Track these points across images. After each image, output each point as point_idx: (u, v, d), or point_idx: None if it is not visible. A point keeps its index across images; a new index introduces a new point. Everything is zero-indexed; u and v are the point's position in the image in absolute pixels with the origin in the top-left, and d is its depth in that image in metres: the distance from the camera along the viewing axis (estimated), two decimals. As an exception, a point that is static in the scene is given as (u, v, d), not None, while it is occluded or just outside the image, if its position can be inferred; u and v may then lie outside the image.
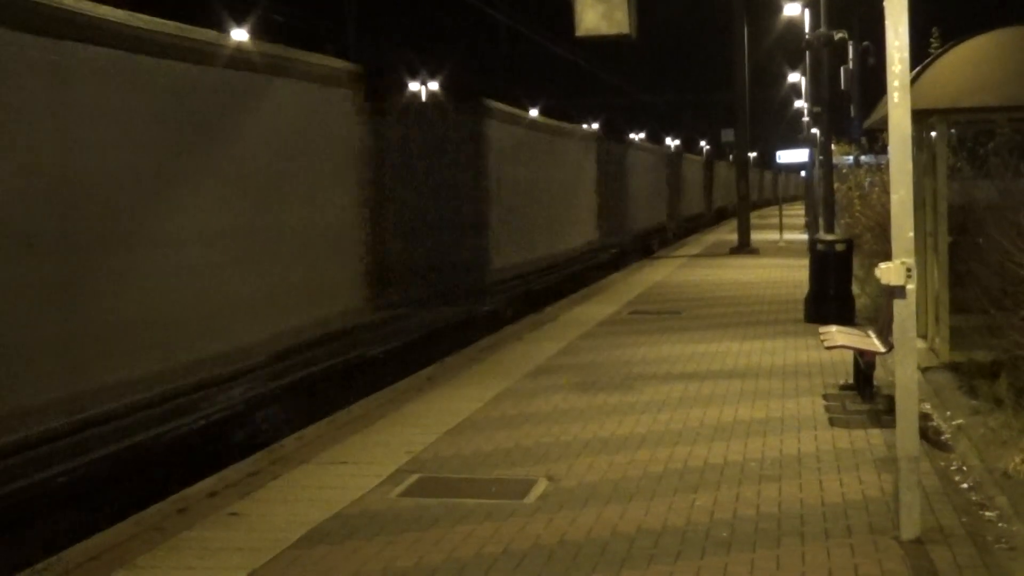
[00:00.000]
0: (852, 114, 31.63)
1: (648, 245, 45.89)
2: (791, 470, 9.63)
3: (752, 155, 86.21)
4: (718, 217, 74.94)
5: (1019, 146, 15.76)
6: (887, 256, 7.93)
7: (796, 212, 65.09)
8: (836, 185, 32.92)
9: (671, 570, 7.26)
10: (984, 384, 12.16)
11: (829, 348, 12.60)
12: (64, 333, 10.89)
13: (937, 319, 14.61)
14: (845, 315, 17.55)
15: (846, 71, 26.66)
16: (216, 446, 12.53)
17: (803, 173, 51.10)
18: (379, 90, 19.66)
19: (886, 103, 8.11)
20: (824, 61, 26.26)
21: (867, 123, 20.40)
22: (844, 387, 13.02)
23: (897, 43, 7.76)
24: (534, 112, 40.13)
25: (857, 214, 28.16)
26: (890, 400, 9.91)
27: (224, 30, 32.32)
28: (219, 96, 13.85)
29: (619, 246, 40.62)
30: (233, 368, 13.52)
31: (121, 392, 11.64)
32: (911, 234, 7.80)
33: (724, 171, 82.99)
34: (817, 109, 30.50)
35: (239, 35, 34.84)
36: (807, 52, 36.09)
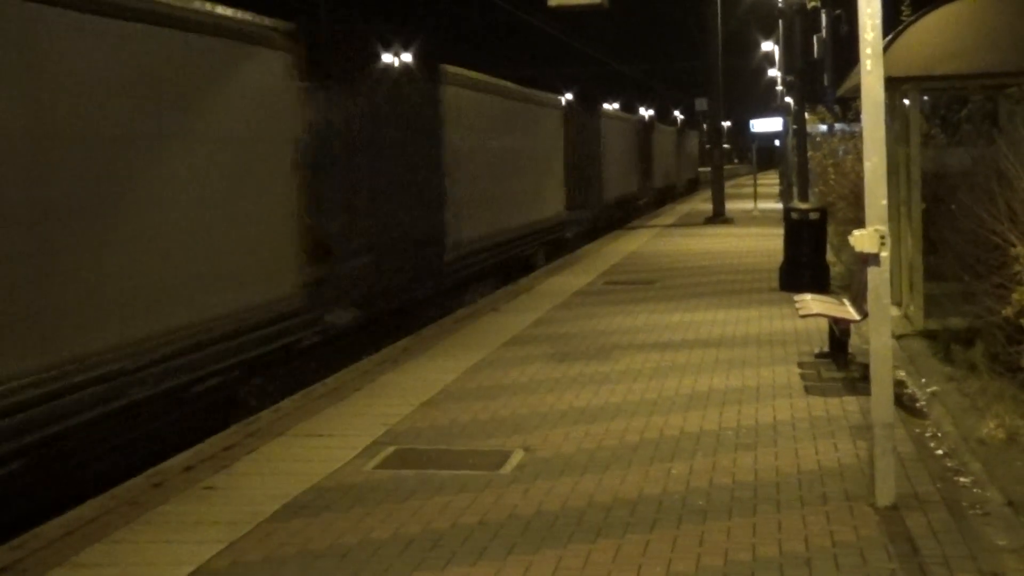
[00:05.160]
0: (825, 82, 31.72)
1: (620, 217, 44.36)
2: (767, 438, 9.65)
3: (727, 124, 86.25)
4: (690, 188, 75.86)
5: (991, 113, 15.82)
6: (861, 224, 7.93)
7: (766, 182, 65.18)
8: (810, 153, 33.04)
9: (647, 539, 7.27)
10: (958, 351, 12.22)
11: (804, 316, 12.62)
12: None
13: (911, 286, 14.66)
14: (820, 283, 17.56)
15: (819, 39, 26.74)
16: None
17: (777, 142, 50.95)
18: (321, 53, 17.84)
19: (859, 71, 8.10)
20: (797, 30, 26.32)
21: (840, 91, 20.48)
22: (819, 355, 13.05)
23: (869, 10, 7.75)
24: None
25: (831, 182, 28.22)
26: (865, 368, 9.93)
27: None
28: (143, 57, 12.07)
29: (589, 220, 38.83)
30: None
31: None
32: (884, 202, 7.80)
33: (693, 141, 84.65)
34: (790, 78, 30.57)
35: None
36: (780, 21, 36.18)
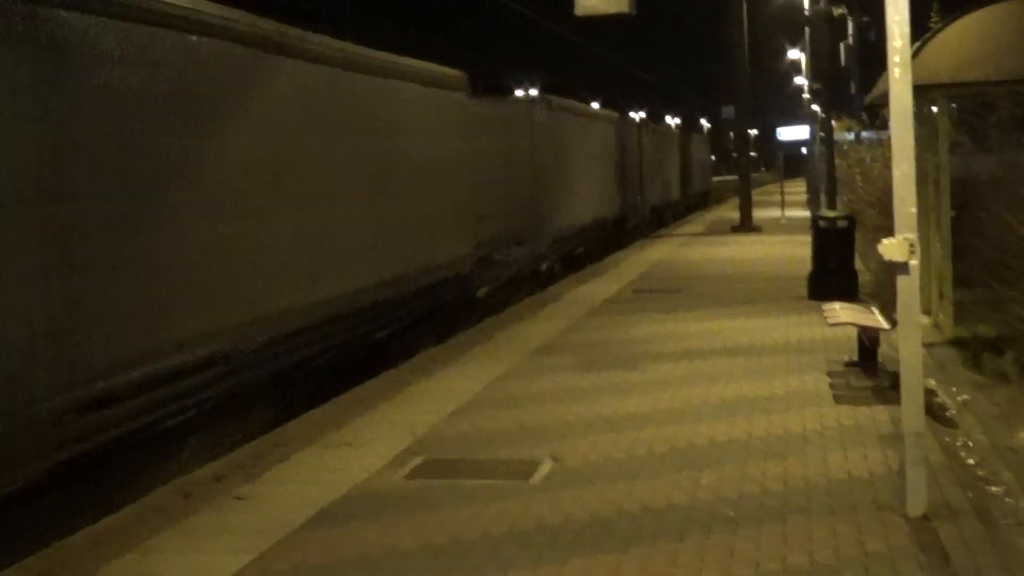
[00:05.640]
0: (852, 90, 31.60)
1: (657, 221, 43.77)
2: (796, 447, 9.62)
3: (753, 132, 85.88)
4: (699, 202, 63.66)
5: (1020, 119, 15.73)
6: (889, 232, 7.90)
7: (793, 189, 64.95)
8: (837, 161, 32.95)
9: (676, 548, 7.25)
10: (988, 359, 12.17)
11: (833, 325, 12.59)
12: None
13: (940, 294, 14.60)
14: (848, 291, 17.51)
15: (846, 47, 26.62)
16: None
17: (804, 150, 50.80)
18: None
19: (887, 78, 8.08)
20: (824, 37, 26.25)
21: (868, 99, 20.38)
22: (848, 364, 12.99)
23: (897, 18, 7.73)
24: (534, 92, 37.44)
25: (859, 190, 28.11)
26: (894, 376, 9.89)
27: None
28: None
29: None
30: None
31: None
32: (913, 209, 7.77)
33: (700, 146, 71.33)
34: (817, 85, 30.49)
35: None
36: (807, 28, 36.10)
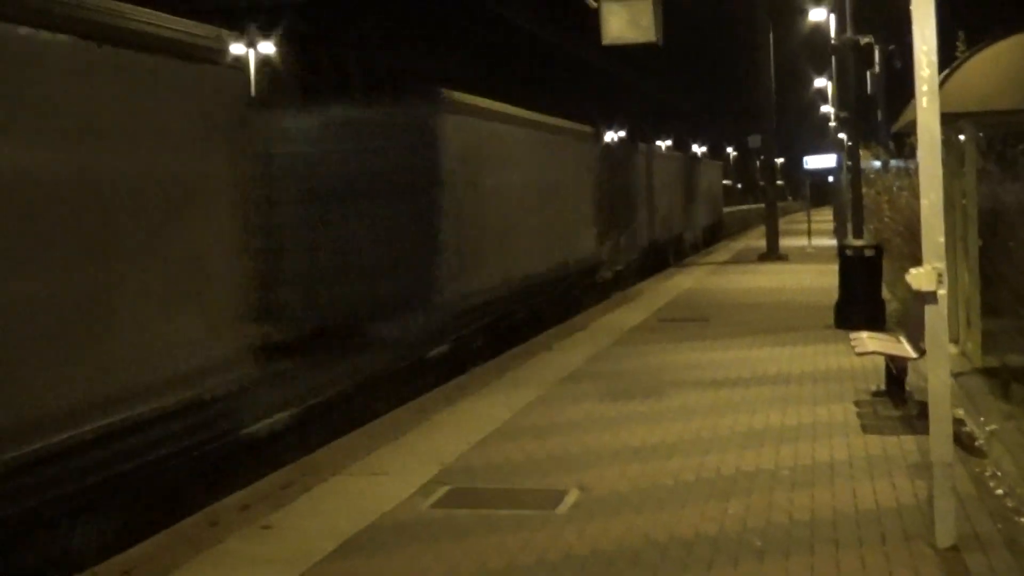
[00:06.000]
0: (879, 118, 31.57)
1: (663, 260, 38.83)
2: (824, 477, 9.59)
3: (780, 160, 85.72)
4: (710, 238, 54.72)
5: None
6: (917, 260, 7.89)
7: (819, 218, 64.81)
8: (864, 190, 32.90)
9: (705, 579, 7.23)
10: (1017, 388, 12.10)
11: (860, 354, 12.55)
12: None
13: (969, 323, 14.54)
14: (875, 320, 17.47)
15: (873, 75, 26.60)
16: None
17: (830, 178, 50.65)
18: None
19: (914, 107, 8.06)
20: (850, 66, 26.17)
21: (895, 127, 20.36)
22: (876, 393, 12.96)
23: (925, 47, 7.72)
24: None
25: (886, 218, 28.03)
26: (923, 406, 9.85)
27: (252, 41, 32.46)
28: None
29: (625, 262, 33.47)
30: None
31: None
32: (942, 239, 7.75)
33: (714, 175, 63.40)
34: (844, 114, 30.41)
35: (266, 47, 35.05)
36: (833, 57, 36.09)
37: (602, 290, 29.35)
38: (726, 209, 70.44)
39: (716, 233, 56.70)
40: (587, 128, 31.66)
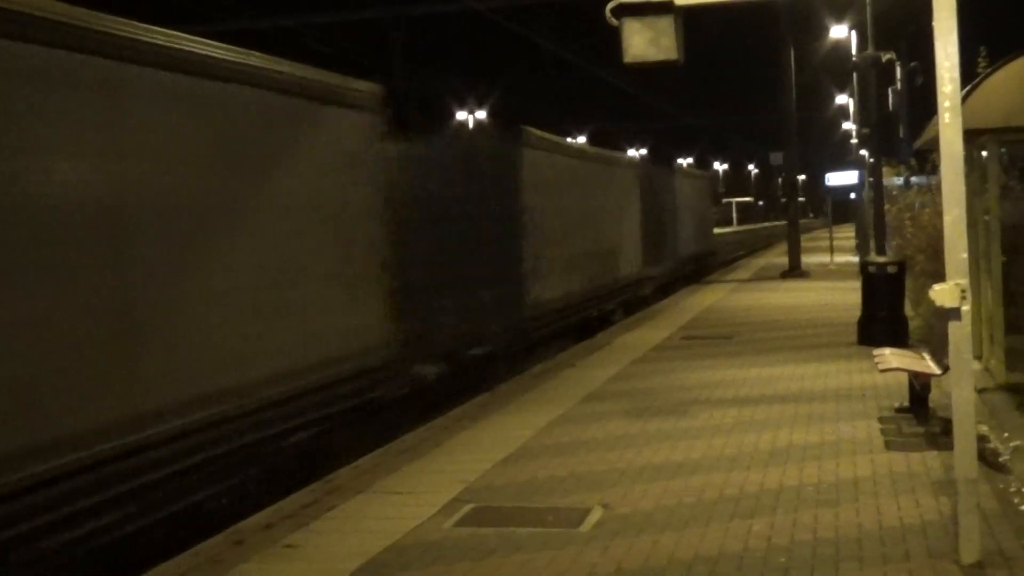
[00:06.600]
0: (901, 134, 31.53)
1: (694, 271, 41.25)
2: (848, 494, 9.57)
3: (801, 177, 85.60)
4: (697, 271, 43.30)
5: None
6: (939, 277, 7.88)
7: (841, 235, 64.60)
8: (886, 207, 32.88)
9: (729, 597, 7.22)
10: (1042, 405, 12.06)
11: (883, 371, 12.52)
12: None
13: (992, 339, 14.50)
14: (898, 337, 17.43)
15: (894, 92, 26.61)
16: None
17: (852, 195, 50.53)
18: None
19: (936, 123, 8.06)
20: (872, 82, 26.19)
21: (918, 144, 20.32)
22: (899, 410, 12.92)
23: (947, 63, 7.73)
24: (582, 139, 37.48)
25: (908, 235, 27.99)
26: (946, 422, 9.83)
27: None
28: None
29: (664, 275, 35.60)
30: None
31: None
32: (965, 255, 7.74)
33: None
34: (866, 131, 30.42)
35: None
36: (854, 74, 36.12)
37: (643, 301, 31.82)
38: (748, 227, 69.43)
39: (702, 265, 45.70)
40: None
